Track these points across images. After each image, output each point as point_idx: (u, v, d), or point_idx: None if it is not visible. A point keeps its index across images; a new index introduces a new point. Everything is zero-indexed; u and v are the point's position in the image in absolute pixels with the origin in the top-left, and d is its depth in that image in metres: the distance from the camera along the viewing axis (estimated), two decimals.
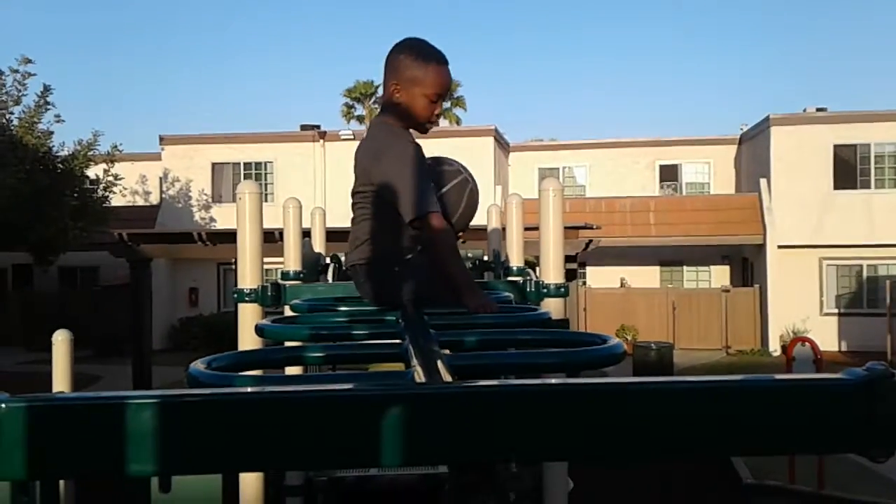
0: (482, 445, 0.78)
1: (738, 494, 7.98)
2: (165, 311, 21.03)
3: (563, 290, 3.03)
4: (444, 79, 2.04)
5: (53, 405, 0.78)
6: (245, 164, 22.55)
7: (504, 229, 4.79)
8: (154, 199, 24.29)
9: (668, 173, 23.88)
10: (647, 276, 22.19)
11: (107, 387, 15.48)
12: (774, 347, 19.44)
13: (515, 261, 4.37)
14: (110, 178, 17.54)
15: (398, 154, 1.99)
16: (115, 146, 17.73)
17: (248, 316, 3.11)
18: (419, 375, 1.22)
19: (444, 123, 26.15)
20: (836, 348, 19.36)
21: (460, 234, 2.32)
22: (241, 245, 3.20)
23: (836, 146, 19.88)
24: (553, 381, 0.87)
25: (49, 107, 16.64)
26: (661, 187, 23.77)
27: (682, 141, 23.97)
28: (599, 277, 22.14)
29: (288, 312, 2.88)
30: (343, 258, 5.09)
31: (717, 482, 8.49)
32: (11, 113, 16.31)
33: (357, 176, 2.15)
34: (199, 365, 1.24)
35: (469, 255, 5.46)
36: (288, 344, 1.89)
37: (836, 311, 20.20)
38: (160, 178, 23.31)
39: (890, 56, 60.68)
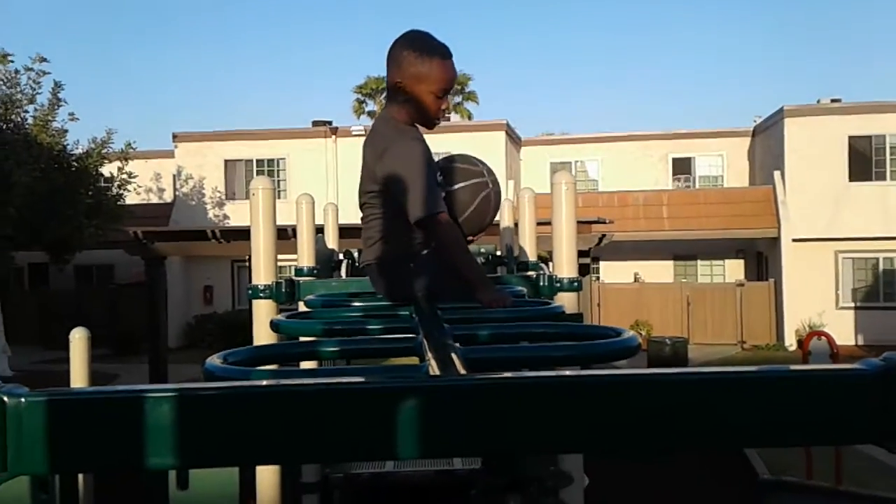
0: (497, 438, 0.78)
1: (753, 490, 7.95)
2: (180, 308, 21.16)
3: (576, 284, 3.02)
4: (448, 74, 2.00)
5: (73, 399, 0.79)
6: (258, 160, 22.62)
7: (516, 224, 4.78)
8: (168, 196, 24.41)
9: (682, 166, 23.75)
10: (660, 271, 22.10)
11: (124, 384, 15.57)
12: (790, 342, 19.31)
13: (528, 255, 4.37)
14: (124, 176, 17.64)
15: (401, 153, 1.97)
16: (129, 144, 17.84)
17: (263, 312, 3.13)
18: (433, 369, 1.22)
19: (455, 118, 26.10)
20: (852, 342, 19.22)
21: (470, 236, 2.28)
22: (254, 241, 3.22)
23: (850, 138, 19.69)
24: (568, 372, 0.87)
25: (61, 103, 16.75)
26: (675, 181, 23.64)
27: (694, 134, 23.84)
28: (613, 272, 22.08)
29: (302, 308, 2.89)
30: (356, 254, 5.11)
31: (732, 478, 8.46)
32: (26, 111, 16.43)
33: (363, 174, 2.13)
34: (215, 359, 1.25)
35: (482, 249, 5.46)
36: (302, 339, 1.89)
37: (852, 304, 20.04)
38: (174, 176, 23.42)
39: None
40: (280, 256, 3.38)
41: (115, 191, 17.78)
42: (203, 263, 21.96)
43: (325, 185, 21.09)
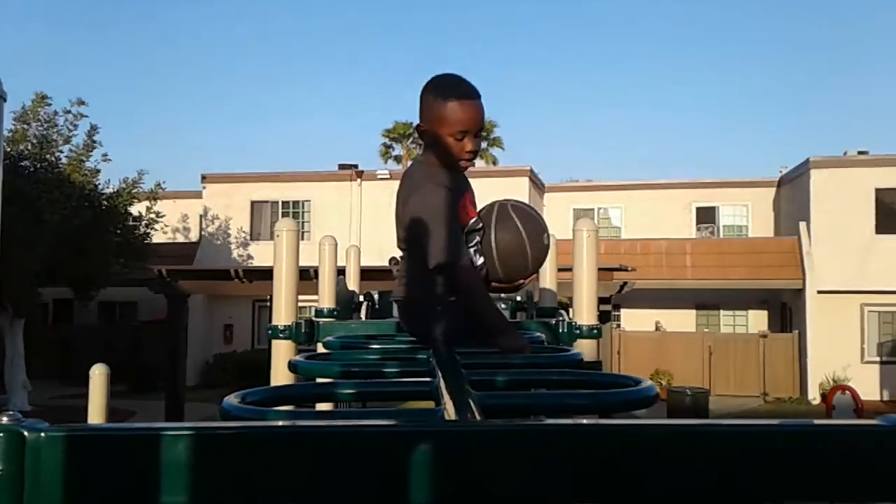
0: (513, 486, 0.77)
1: None
2: (201, 347, 21.24)
3: (596, 331, 3.01)
4: (465, 115, 1.95)
5: (92, 435, 0.80)
6: (283, 202, 22.88)
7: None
8: (194, 236, 24.72)
9: (705, 215, 23.67)
10: (682, 320, 21.88)
11: (140, 422, 15.58)
12: (814, 395, 18.94)
13: (549, 301, 4.36)
14: (152, 216, 17.92)
15: (423, 199, 1.97)
16: (159, 184, 18.16)
17: (282, 352, 3.14)
18: (449, 413, 1.21)
19: (480, 163, 26.33)
20: (877, 398, 18.81)
21: (499, 285, 2.19)
22: (276, 281, 3.24)
23: (877, 190, 19.55)
24: (585, 421, 0.86)
25: (96, 145, 17.15)
26: (698, 229, 23.54)
27: (719, 183, 23.79)
28: (634, 320, 21.89)
29: (321, 349, 2.90)
30: (376, 296, 5.13)
31: None
32: (61, 151, 16.82)
33: (396, 216, 2.16)
34: (232, 399, 1.26)
35: (502, 295, 5.45)
36: (320, 380, 1.90)
37: (877, 359, 19.67)
38: (200, 216, 23.73)
39: None
40: (301, 297, 3.41)
41: (142, 230, 18.05)
42: (225, 302, 22.11)
43: (348, 228, 21.25)
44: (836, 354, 19.03)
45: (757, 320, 21.85)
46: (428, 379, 1.60)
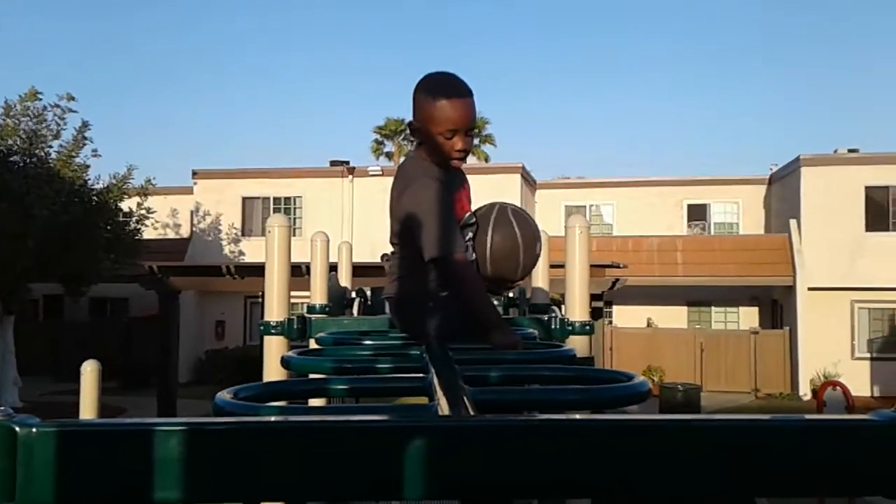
0: (505, 480, 0.77)
1: None
2: (192, 343, 21.19)
3: (588, 327, 3.01)
4: (455, 113, 1.94)
5: (83, 430, 0.79)
6: (275, 198, 22.84)
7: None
8: (185, 232, 24.64)
9: (697, 213, 23.76)
10: (674, 317, 21.96)
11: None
12: (805, 392, 19.06)
13: (541, 298, 4.36)
14: (143, 212, 17.85)
15: (417, 192, 1.97)
16: (149, 180, 18.08)
17: (274, 348, 3.13)
18: (442, 409, 1.22)
19: (472, 160, 26.32)
20: (868, 393, 18.95)
21: (499, 285, 2.23)
22: (268, 278, 3.24)
23: (867, 188, 19.67)
24: (577, 416, 0.87)
25: (87, 142, 17.06)
26: (689, 227, 23.62)
27: (710, 180, 23.87)
28: (626, 317, 21.96)
29: (313, 345, 2.90)
30: (368, 293, 5.12)
31: None
32: (50, 146, 16.73)
33: (390, 211, 2.16)
34: (224, 395, 1.26)
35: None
36: (312, 376, 1.90)
37: (868, 355, 19.80)
38: (191, 212, 23.66)
39: None
40: (293, 293, 3.40)
41: (133, 225, 17.98)
42: (216, 299, 22.06)
43: (340, 224, 21.24)
44: (827, 351, 19.14)
45: (748, 317, 21.96)
46: (421, 375, 1.60)
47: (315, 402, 3.14)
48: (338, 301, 4.55)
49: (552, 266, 4.60)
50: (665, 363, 19.86)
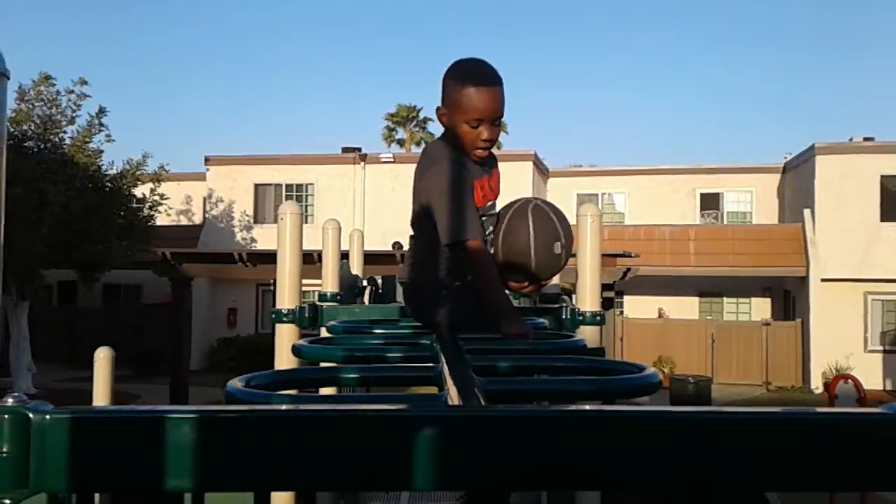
0: (514, 471, 0.77)
1: None
2: (204, 330, 21.29)
3: (599, 318, 3.01)
4: (481, 102, 1.89)
5: (97, 417, 0.80)
6: (287, 185, 22.86)
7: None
8: (197, 219, 24.71)
9: (710, 202, 23.60)
10: (685, 307, 21.87)
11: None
12: (816, 384, 18.95)
13: (552, 287, 4.35)
14: (156, 198, 17.91)
15: (436, 175, 1.94)
16: (162, 166, 18.13)
17: (286, 336, 3.14)
18: (452, 398, 1.22)
19: None
20: (880, 387, 18.82)
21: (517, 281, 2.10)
22: (280, 265, 3.25)
23: (883, 177, 19.45)
24: (588, 407, 0.86)
25: (102, 128, 17.12)
26: (702, 216, 23.48)
27: (723, 169, 23.70)
28: (637, 307, 21.89)
29: (324, 334, 2.91)
30: (379, 281, 5.13)
31: None
32: (64, 132, 16.79)
33: (413, 193, 2.13)
34: (236, 382, 1.26)
35: None
36: (323, 364, 1.90)
37: (881, 348, 19.65)
38: (204, 199, 23.72)
39: None
40: (305, 281, 3.41)
41: (146, 212, 18.05)
42: (229, 286, 22.13)
43: (352, 212, 21.24)
44: (840, 343, 19.01)
45: (760, 308, 21.83)
46: (431, 364, 1.60)
47: (326, 390, 3.15)
48: (349, 289, 4.55)
49: None
50: (676, 354, 19.79)
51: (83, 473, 0.76)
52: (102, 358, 4.37)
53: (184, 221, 24.65)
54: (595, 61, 66.69)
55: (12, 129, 15.48)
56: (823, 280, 19.26)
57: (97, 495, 0.85)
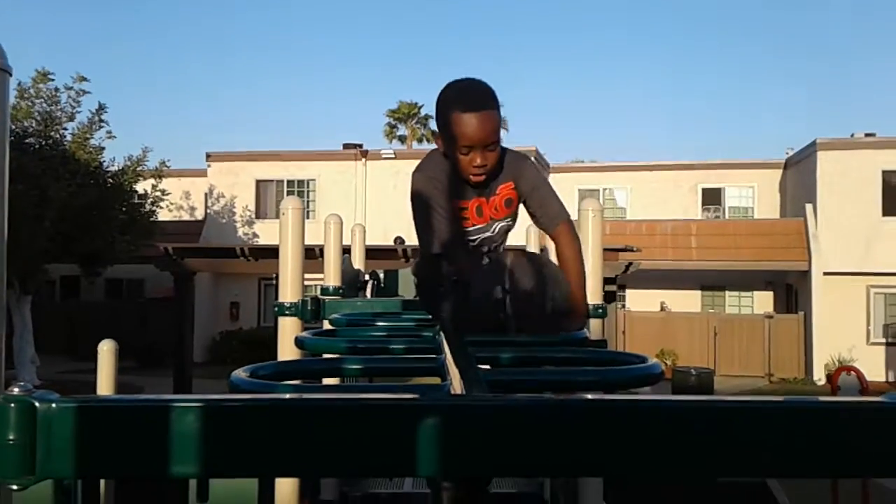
0: (517, 459, 0.78)
1: None
2: (206, 324, 21.33)
3: (601, 311, 3.01)
4: (468, 129, 1.78)
5: (102, 406, 0.81)
6: (288, 181, 22.86)
7: (543, 249, 4.78)
8: (199, 214, 24.73)
9: (711, 197, 23.57)
10: (687, 301, 21.87)
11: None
12: (819, 377, 18.97)
13: None
14: (158, 194, 17.94)
15: (412, 185, 1.91)
16: (164, 162, 18.15)
17: (288, 329, 3.15)
18: (455, 389, 1.22)
19: None
20: (883, 379, 18.83)
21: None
22: (282, 259, 3.25)
23: (884, 172, 19.43)
24: (590, 396, 0.87)
25: (103, 124, 17.13)
26: (704, 211, 23.46)
27: (725, 164, 23.65)
28: (639, 301, 21.88)
29: (327, 327, 2.92)
30: (381, 275, 5.13)
31: None
32: (65, 129, 16.80)
33: None
34: (240, 373, 1.27)
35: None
36: (326, 356, 1.91)
37: (883, 340, 19.66)
38: (205, 194, 23.73)
39: None
40: (307, 275, 3.42)
41: (148, 207, 18.08)
42: (231, 280, 22.17)
43: (353, 207, 21.24)
44: (842, 336, 19.02)
45: (762, 302, 21.83)
46: (434, 355, 1.61)
47: (328, 381, 3.16)
48: (351, 283, 4.57)
49: None
50: (678, 347, 19.80)
51: (89, 461, 0.77)
52: (106, 350, 4.39)
53: (186, 217, 24.67)
54: (597, 57, 66.60)
55: (13, 126, 15.49)
56: (826, 274, 19.26)
57: (102, 481, 0.85)
